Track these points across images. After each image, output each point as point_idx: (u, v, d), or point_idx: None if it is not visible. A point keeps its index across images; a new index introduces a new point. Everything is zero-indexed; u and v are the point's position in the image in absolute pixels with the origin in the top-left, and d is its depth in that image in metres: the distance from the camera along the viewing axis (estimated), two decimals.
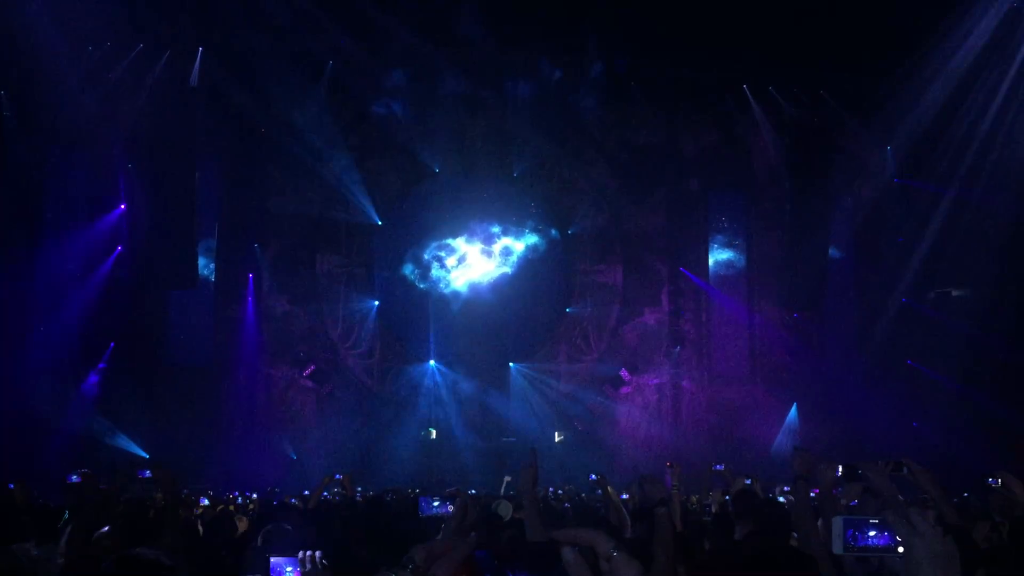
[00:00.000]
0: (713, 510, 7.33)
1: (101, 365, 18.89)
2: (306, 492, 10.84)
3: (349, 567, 3.92)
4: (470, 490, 14.01)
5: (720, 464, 7.06)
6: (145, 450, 18.33)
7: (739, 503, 4.58)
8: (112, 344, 19.04)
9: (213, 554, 4.62)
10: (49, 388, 18.00)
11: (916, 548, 1.55)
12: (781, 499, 8.92)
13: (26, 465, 14.87)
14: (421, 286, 21.07)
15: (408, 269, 21.04)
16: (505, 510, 7.52)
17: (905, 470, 3.67)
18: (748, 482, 6.47)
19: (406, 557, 1.53)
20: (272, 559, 3.32)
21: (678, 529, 4.85)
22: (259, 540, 4.43)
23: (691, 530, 5.73)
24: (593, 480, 11.13)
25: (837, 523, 1.67)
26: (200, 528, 7.19)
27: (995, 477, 6.52)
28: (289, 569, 3.31)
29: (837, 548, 1.66)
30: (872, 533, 1.63)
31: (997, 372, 17.95)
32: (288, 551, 3.35)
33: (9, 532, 4.41)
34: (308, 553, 3.14)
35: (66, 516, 5.10)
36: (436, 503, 4.03)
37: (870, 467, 3.48)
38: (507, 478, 13.22)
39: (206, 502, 10.57)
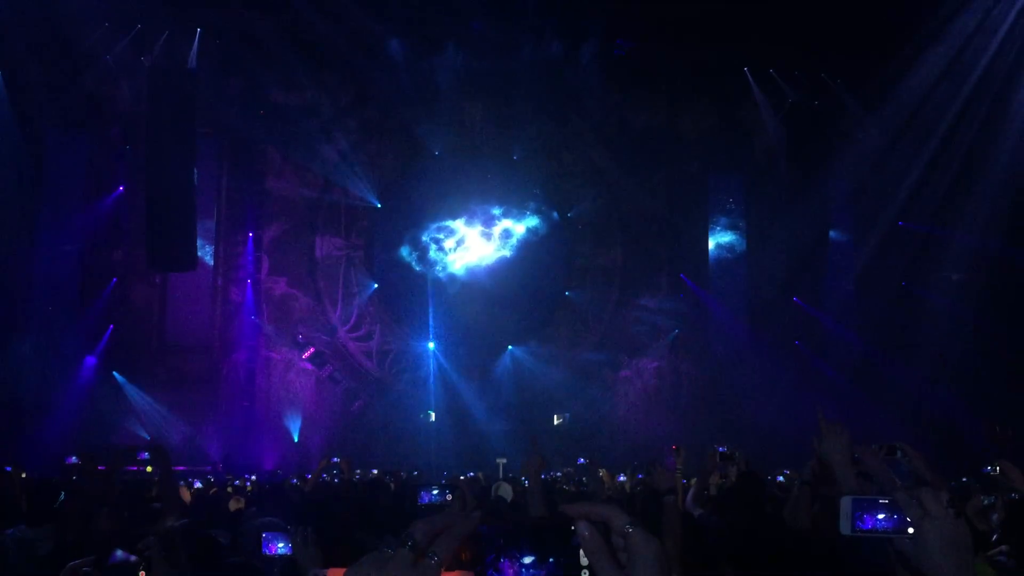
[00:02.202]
0: (711, 492, 7.32)
1: (100, 347, 18.89)
2: (308, 476, 10.85)
3: (345, 547, 3.92)
4: (468, 472, 14.09)
5: (724, 446, 7.00)
6: (144, 432, 18.36)
7: (739, 486, 4.57)
8: (111, 326, 19.06)
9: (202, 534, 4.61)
10: (48, 370, 18.02)
11: (927, 530, 1.52)
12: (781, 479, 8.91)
13: (24, 447, 14.91)
14: (418, 268, 21.03)
15: (405, 251, 21.01)
16: (506, 492, 7.54)
17: (899, 453, 3.64)
18: (722, 449, 6.43)
19: (406, 534, 1.50)
20: (264, 533, 3.34)
21: (681, 511, 4.86)
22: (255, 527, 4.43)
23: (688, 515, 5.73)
24: (582, 464, 11.16)
25: (846, 503, 1.62)
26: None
27: (993, 466, 6.51)
28: (281, 544, 3.33)
29: (845, 529, 1.62)
30: (881, 515, 1.59)
31: (996, 357, 17.95)
32: (281, 527, 3.37)
33: (5, 515, 4.40)
34: (300, 528, 3.15)
35: (62, 497, 5.09)
36: (435, 491, 4.03)
37: (865, 452, 3.45)
38: (501, 460, 13.26)
39: (199, 484, 10.58)
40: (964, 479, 9.96)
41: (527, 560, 1.46)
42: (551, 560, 1.43)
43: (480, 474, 13.15)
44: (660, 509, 4.10)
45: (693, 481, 10.09)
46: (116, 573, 2.99)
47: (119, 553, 2.95)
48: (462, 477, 12.75)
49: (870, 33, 17.17)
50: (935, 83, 17.99)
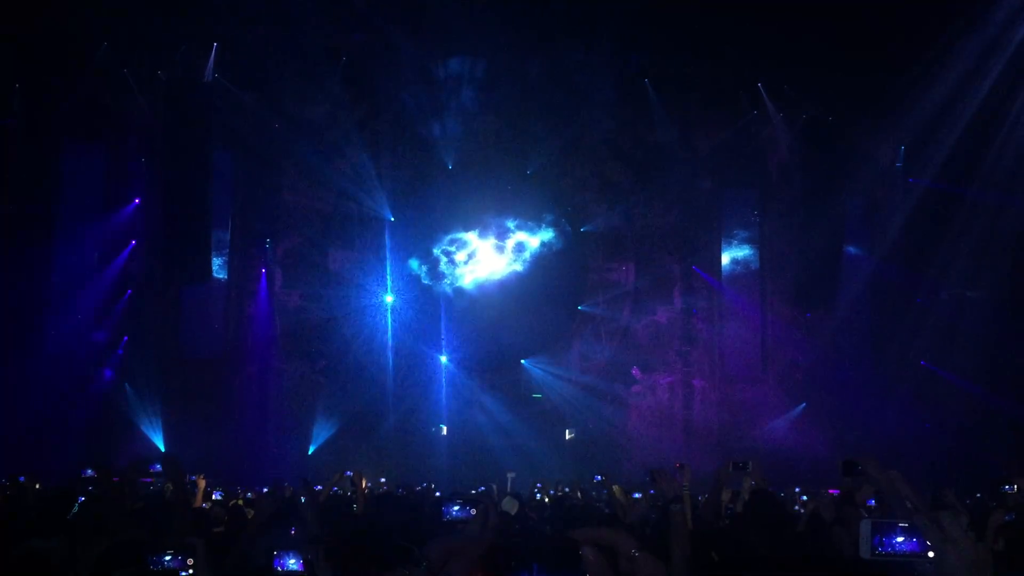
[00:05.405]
0: (725, 503, 7.27)
1: (115, 359, 18.96)
2: (318, 488, 10.83)
3: (357, 562, 3.91)
4: (479, 487, 14.05)
5: (741, 463, 6.91)
6: (158, 444, 18.39)
7: (753, 506, 4.54)
8: (126, 338, 19.12)
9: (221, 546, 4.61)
10: (63, 381, 18.08)
11: (948, 555, 1.50)
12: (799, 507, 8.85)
13: (40, 459, 14.97)
14: (427, 282, 21.02)
15: (415, 264, 21.01)
16: (510, 505, 7.49)
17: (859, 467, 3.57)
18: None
19: (420, 554, 1.49)
20: (276, 551, 3.32)
21: (689, 528, 4.82)
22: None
23: (704, 531, 5.68)
24: (598, 481, 11.10)
25: (865, 526, 1.60)
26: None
27: (1010, 483, 6.45)
28: (292, 561, 3.31)
29: (864, 552, 1.59)
30: (900, 538, 1.56)
31: (1012, 373, 17.81)
32: (293, 544, 3.35)
33: (21, 524, 4.41)
34: (314, 545, 3.14)
35: (76, 507, 5.10)
36: (456, 508, 4.00)
37: (869, 462, 3.41)
38: (511, 474, 13.21)
39: (219, 496, 10.57)
40: (979, 495, 9.87)
41: None
42: None
43: (495, 486, 13.12)
44: (666, 518, 4.04)
45: (703, 499, 10.03)
46: None
47: (157, 558, 2.96)
48: (473, 492, 12.75)
49: (884, 48, 17.15)
50: (948, 96, 17.92)
